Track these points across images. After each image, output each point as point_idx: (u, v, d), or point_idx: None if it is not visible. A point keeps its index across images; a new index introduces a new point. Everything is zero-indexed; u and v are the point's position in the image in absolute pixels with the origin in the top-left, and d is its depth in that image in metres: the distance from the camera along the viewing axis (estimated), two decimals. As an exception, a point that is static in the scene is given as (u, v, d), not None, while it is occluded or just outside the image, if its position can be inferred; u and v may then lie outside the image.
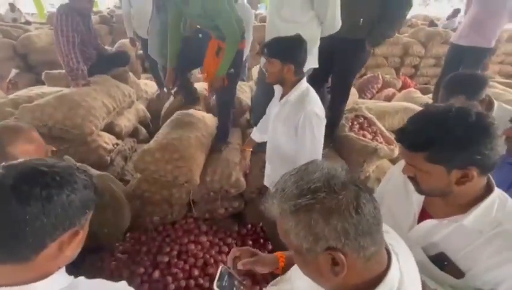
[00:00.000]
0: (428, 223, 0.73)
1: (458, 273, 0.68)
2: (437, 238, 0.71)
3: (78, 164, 0.54)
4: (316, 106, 1.30)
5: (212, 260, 1.62)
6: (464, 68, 2.57)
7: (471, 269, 0.67)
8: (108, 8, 7.30)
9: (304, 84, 1.33)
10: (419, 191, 0.71)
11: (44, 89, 2.46)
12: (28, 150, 0.99)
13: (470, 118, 0.59)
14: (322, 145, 1.36)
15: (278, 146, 1.46)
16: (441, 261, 0.70)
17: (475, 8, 2.51)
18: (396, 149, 1.90)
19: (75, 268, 0.61)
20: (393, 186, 0.87)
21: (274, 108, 1.45)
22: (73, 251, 0.55)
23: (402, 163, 0.87)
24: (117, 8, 7.08)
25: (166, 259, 1.59)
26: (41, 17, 6.92)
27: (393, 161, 2.12)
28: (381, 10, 1.72)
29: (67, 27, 2.07)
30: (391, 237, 0.57)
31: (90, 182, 0.56)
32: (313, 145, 1.31)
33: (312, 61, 1.73)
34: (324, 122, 1.33)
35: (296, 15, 1.59)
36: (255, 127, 1.77)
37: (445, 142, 0.60)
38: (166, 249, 1.65)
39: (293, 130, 1.34)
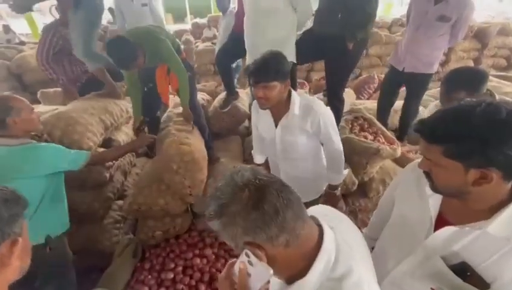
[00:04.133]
0: (447, 230, 0.68)
1: (483, 284, 0.63)
2: (458, 246, 0.66)
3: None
4: (322, 105, 1.32)
5: (218, 274, 1.57)
6: (408, 95, 2.31)
7: (496, 280, 0.62)
8: (102, 25, 7.35)
9: (295, 93, 1.30)
10: (434, 188, 0.67)
11: (40, 108, 2.43)
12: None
13: (498, 115, 0.54)
14: None
15: (300, 158, 1.41)
16: (463, 272, 0.65)
17: (410, 31, 2.16)
18: (398, 149, 1.88)
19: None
20: (405, 191, 0.83)
21: (274, 131, 1.36)
22: (21, 259, 0.55)
23: (410, 167, 0.85)
24: (110, 24, 7.13)
25: (171, 276, 1.55)
26: (36, 37, 6.95)
27: (397, 161, 2.09)
28: (348, 9, 1.72)
29: (48, 40, 2.10)
30: (326, 214, 0.66)
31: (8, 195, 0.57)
32: (338, 137, 1.36)
33: (290, 55, 1.74)
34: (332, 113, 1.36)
35: (272, 1, 1.61)
36: (252, 151, 1.67)
37: (465, 137, 0.56)
38: (171, 265, 1.61)
39: (308, 137, 1.33)
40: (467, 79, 1.22)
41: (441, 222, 0.71)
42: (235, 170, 0.57)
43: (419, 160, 0.73)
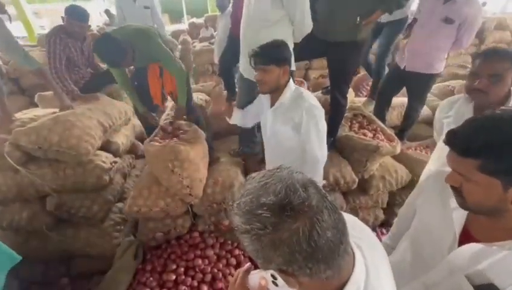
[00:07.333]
0: (472, 247, 0.63)
1: None
2: (484, 265, 0.60)
3: None
4: (313, 100, 1.31)
5: (220, 274, 1.57)
6: (409, 95, 2.29)
7: None
8: (98, 26, 7.32)
9: (292, 84, 1.33)
10: (463, 205, 0.61)
11: (38, 111, 2.42)
12: None
13: None
14: (326, 137, 1.35)
15: (284, 154, 1.42)
16: None
17: (415, 30, 2.15)
18: (398, 146, 1.88)
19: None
20: (427, 201, 0.78)
21: (268, 117, 1.42)
22: None
23: (433, 175, 0.79)
24: (106, 26, 7.11)
25: (173, 277, 1.55)
26: (32, 40, 6.90)
27: (396, 158, 2.09)
28: None
29: (56, 49, 2.09)
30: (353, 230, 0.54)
31: None
32: (318, 138, 1.31)
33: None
34: (323, 113, 1.32)
35: (267, 13, 1.59)
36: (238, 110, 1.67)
37: (507, 151, 0.50)
38: (173, 267, 1.60)
39: (294, 130, 1.33)
40: (507, 52, 1.05)
41: (465, 237, 0.66)
42: (287, 178, 0.45)
43: (443, 169, 0.66)
